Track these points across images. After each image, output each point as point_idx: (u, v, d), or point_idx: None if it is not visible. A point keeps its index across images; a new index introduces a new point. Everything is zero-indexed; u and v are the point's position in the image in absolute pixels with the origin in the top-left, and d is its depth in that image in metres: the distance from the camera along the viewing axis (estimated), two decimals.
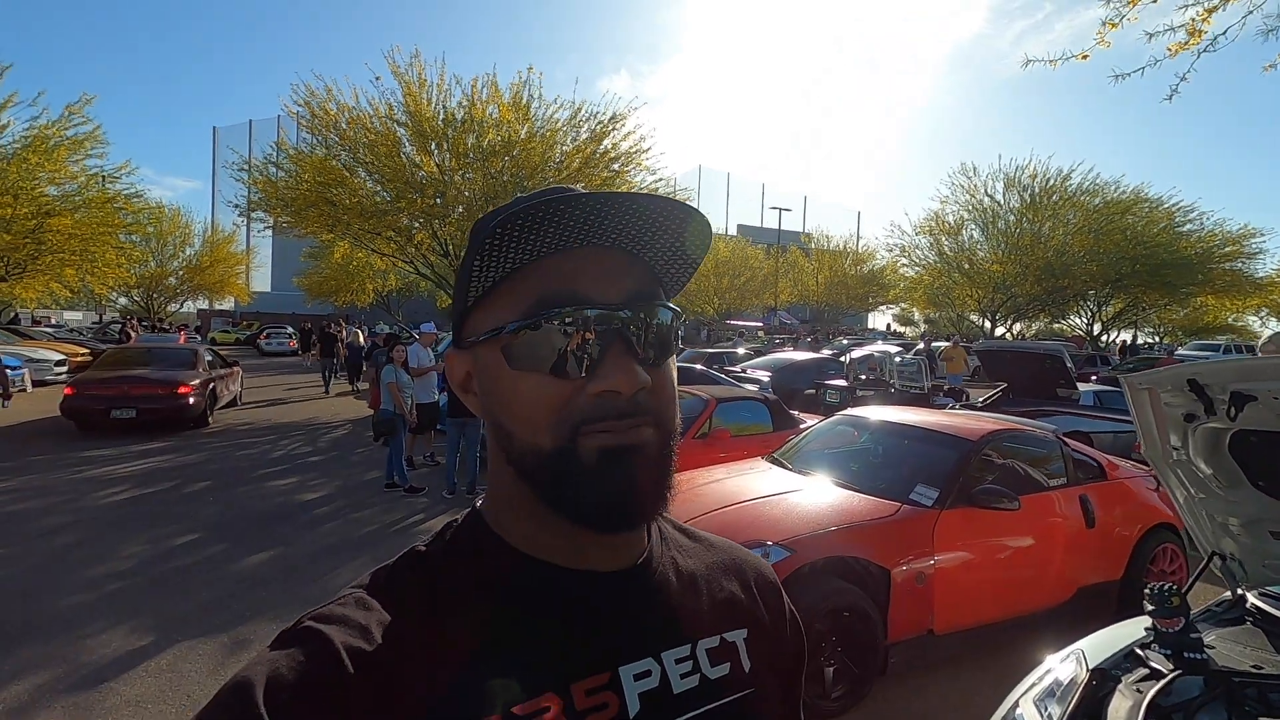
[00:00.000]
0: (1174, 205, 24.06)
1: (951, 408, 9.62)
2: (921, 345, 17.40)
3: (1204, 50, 3.76)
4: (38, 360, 15.88)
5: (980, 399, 10.07)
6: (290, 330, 33.02)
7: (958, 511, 3.79)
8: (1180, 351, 28.96)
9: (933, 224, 27.13)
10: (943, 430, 4.43)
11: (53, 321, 34.50)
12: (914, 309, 41.81)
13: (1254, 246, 24.47)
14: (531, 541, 0.56)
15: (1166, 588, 2.18)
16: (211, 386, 11.29)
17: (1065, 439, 4.60)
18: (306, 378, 19.58)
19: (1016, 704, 2.16)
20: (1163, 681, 2.03)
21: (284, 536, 5.83)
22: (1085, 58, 3.92)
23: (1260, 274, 25.75)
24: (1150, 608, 2.19)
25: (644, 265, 0.57)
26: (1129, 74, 3.91)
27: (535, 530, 0.56)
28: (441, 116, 13.19)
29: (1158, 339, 41.05)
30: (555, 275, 0.53)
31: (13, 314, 28.22)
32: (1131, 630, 2.35)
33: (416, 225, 14.09)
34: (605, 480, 0.51)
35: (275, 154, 14.45)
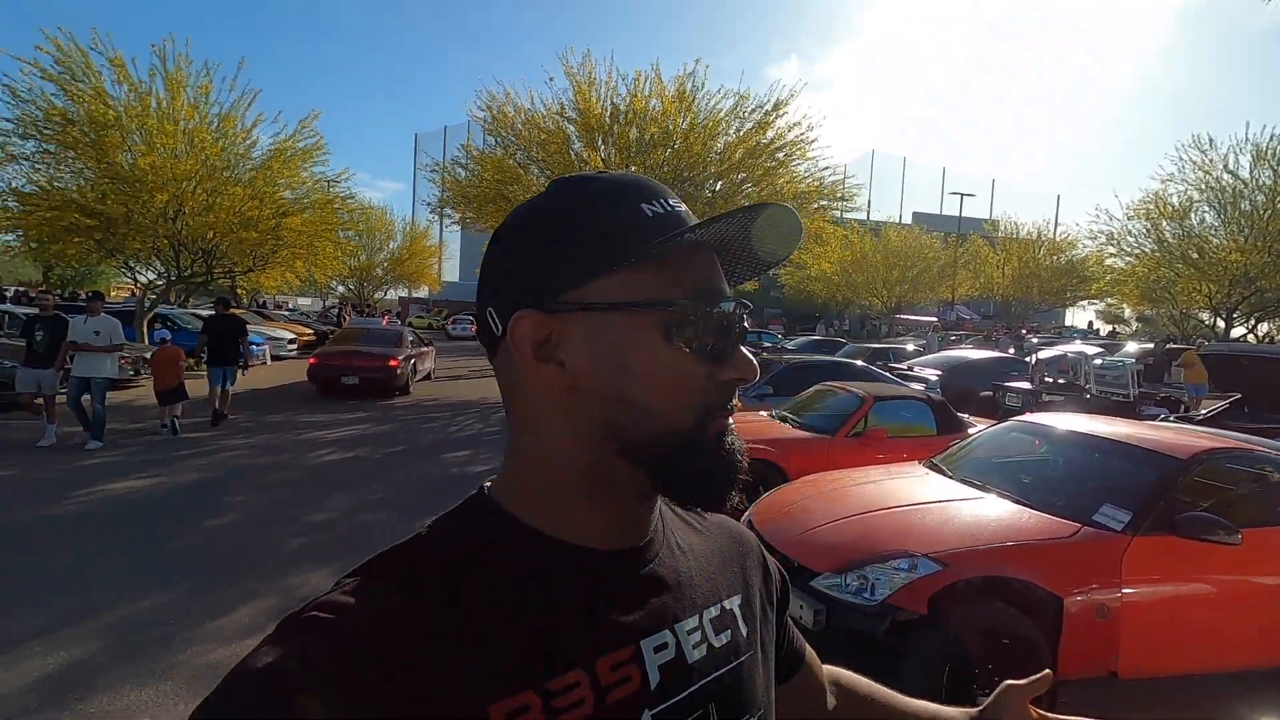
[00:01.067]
0: None
1: (1164, 419, 8.31)
2: (1149, 345, 15.00)
3: None
4: (275, 338, 18.85)
5: (1202, 412, 8.60)
6: (472, 317, 36.31)
7: (1156, 540, 3.28)
8: None
9: (1151, 207, 23.44)
10: (1142, 445, 3.84)
11: (289, 306, 40.71)
12: (1124, 304, 36.49)
13: None
14: (554, 520, 0.56)
15: None
16: (413, 361, 13.66)
17: None
18: (484, 360, 21.38)
19: None
20: None
21: (458, 499, 6.42)
22: None
23: None
24: None
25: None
26: None
27: (567, 508, 0.56)
28: (608, 112, 13.67)
29: None
30: (701, 265, 0.56)
31: (262, 299, 33.70)
32: None
33: None
34: (729, 461, 0.55)
35: (461, 156, 15.87)
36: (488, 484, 0.61)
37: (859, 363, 11.00)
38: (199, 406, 9.59)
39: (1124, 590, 3.17)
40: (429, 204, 17.81)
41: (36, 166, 14.01)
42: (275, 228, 15.88)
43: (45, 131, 13.35)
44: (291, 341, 19.78)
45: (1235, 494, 3.78)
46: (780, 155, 14.20)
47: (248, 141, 15.98)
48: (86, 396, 7.76)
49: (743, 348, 0.57)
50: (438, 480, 7.24)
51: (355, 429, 9.82)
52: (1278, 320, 25.94)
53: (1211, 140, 21.91)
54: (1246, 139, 21.47)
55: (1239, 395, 8.60)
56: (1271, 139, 20.69)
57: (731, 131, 14.20)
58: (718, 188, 14.61)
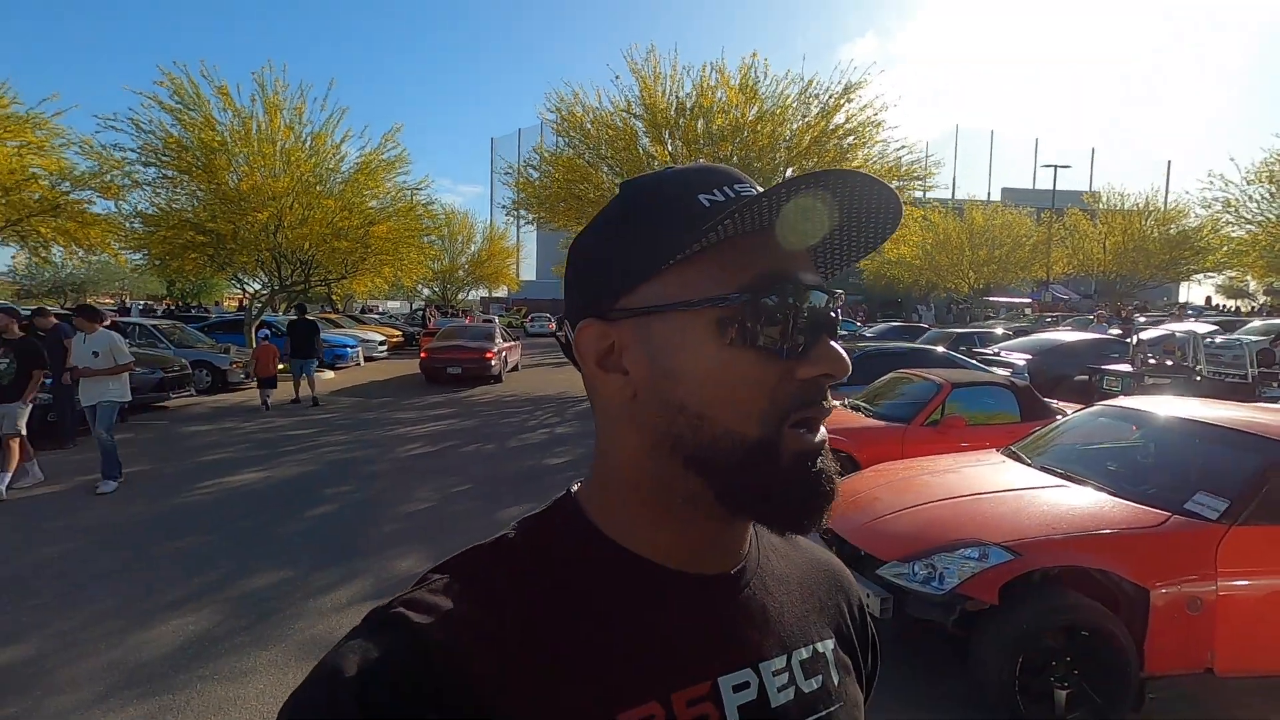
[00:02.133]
0: None
1: None
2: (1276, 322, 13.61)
3: None
4: (367, 340, 20.02)
5: None
6: (549, 315, 37.21)
7: (1257, 530, 3.07)
8: None
9: (1276, 168, 21.27)
10: (1246, 430, 3.58)
11: (379, 310, 43.03)
12: (1248, 277, 33.25)
13: None
14: (638, 537, 0.53)
15: None
16: (504, 354, 15.99)
17: None
18: (561, 355, 21.94)
19: None
20: None
21: (533, 492, 6.71)
22: None
23: None
24: None
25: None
26: None
27: (650, 525, 0.53)
28: (674, 106, 13.71)
29: None
30: (770, 252, 0.50)
31: (359, 305, 35.77)
32: None
33: None
34: (807, 479, 0.49)
35: (534, 159, 16.31)
36: (575, 486, 0.59)
37: (939, 349, 10.62)
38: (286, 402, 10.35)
39: (1220, 583, 2.99)
40: (504, 206, 18.40)
41: (157, 191, 15.43)
42: (364, 236, 16.85)
43: (164, 158, 14.67)
44: (382, 343, 20.96)
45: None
46: (851, 140, 13.83)
47: (337, 156, 17.00)
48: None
49: (830, 340, 0.50)
50: (515, 474, 7.56)
51: (441, 424, 10.35)
52: None
53: None
54: None
55: None
56: None
57: (799, 118, 13.95)
58: (788, 174, 14.39)
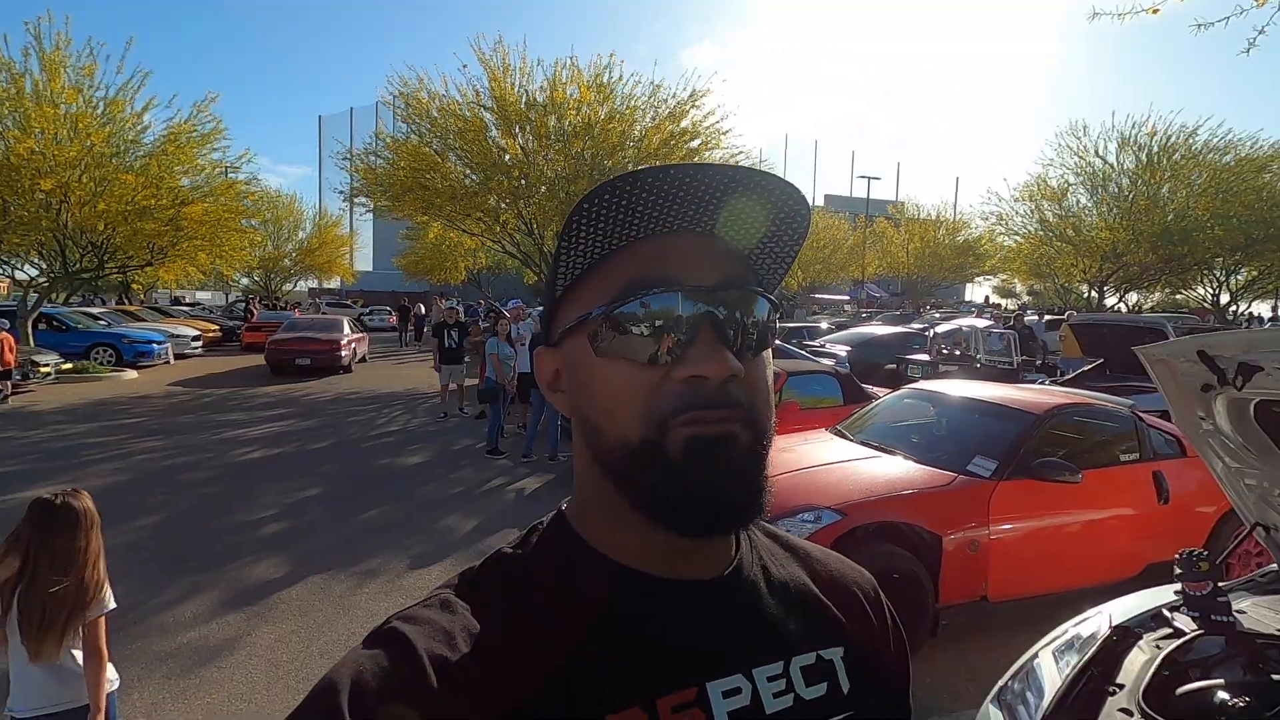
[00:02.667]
0: None
1: (1041, 383, 9.30)
2: (1019, 315, 16.43)
3: None
4: (178, 336, 17.85)
5: (1069, 374, 9.66)
6: (389, 308, 35.24)
7: (1017, 484, 3.86)
8: None
9: (1034, 189, 25.47)
10: (1007, 404, 4.45)
11: (188, 301, 38.27)
12: (1015, 280, 39.46)
13: None
14: (617, 547, 0.55)
15: (1196, 553, 2.27)
16: (353, 345, 16.07)
17: (1141, 414, 4.51)
18: (409, 349, 20.99)
19: (1037, 654, 2.32)
20: (1182, 639, 2.14)
21: (391, 493, 6.53)
22: (1156, 12, 3.79)
23: None
24: (1179, 572, 2.28)
25: (737, 254, 0.55)
26: (1210, 24, 3.76)
27: (621, 535, 0.54)
28: (525, 100, 13.68)
29: None
30: (644, 259, 0.51)
31: (168, 296, 31.35)
32: (1163, 595, 2.44)
33: (503, 206, 14.75)
34: (693, 478, 0.49)
35: (375, 143, 15.46)
36: (564, 503, 0.61)
37: (775, 342, 11.61)
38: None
39: (991, 527, 3.74)
40: (340, 191, 17.29)
41: None
42: (174, 218, 14.99)
43: None
44: (196, 339, 18.80)
45: (1080, 441, 4.45)
46: (696, 144, 14.63)
47: (139, 127, 14.98)
48: None
49: (709, 341, 0.50)
50: (368, 475, 7.28)
51: (279, 425, 9.61)
52: (1144, 292, 28.75)
53: (1085, 127, 24.01)
54: (1113, 126, 23.66)
55: (1102, 360, 9.71)
56: (1133, 126, 22.90)
57: (648, 119, 14.51)
58: None
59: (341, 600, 4.27)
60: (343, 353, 15.06)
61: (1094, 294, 25.83)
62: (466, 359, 10.80)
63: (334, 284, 47.75)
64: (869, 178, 38.48)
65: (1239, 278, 25.67)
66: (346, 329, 16.02)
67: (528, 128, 13.71)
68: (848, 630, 0.62)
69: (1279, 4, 3.53)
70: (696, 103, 14.27)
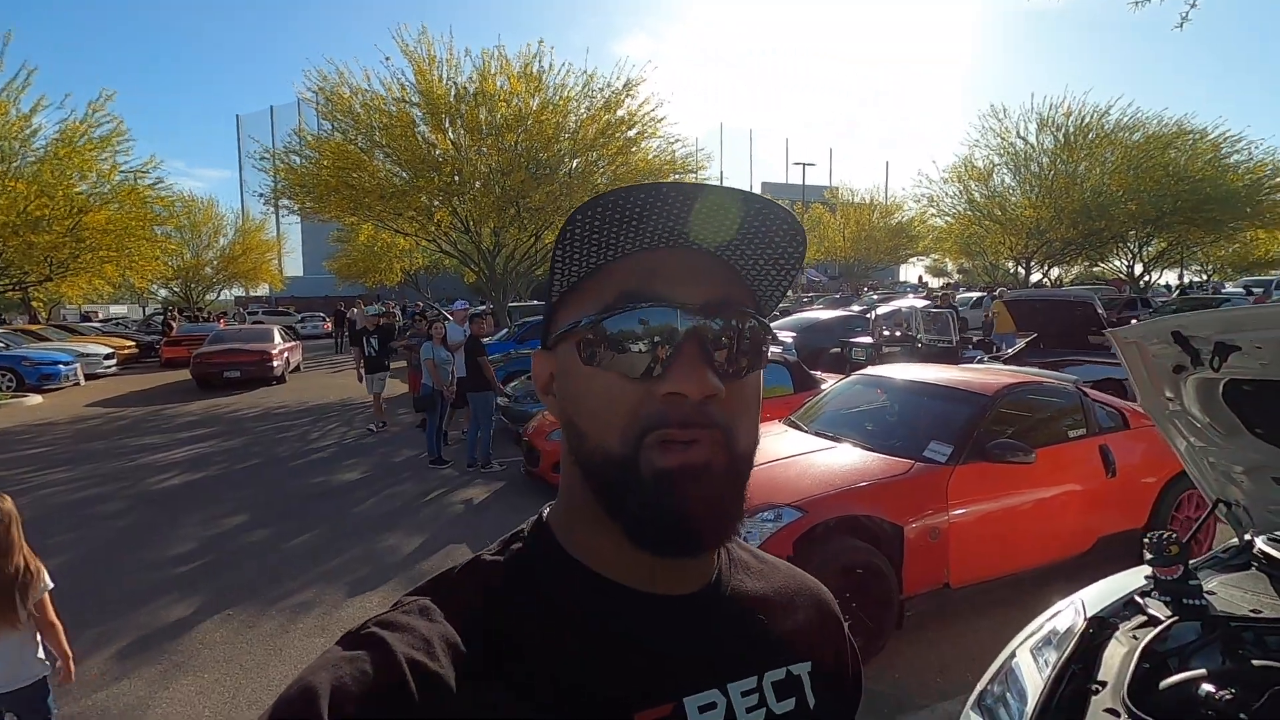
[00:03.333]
0: (1220, 136, 22.86)
1: (980, 361, 9.51)
2: (944, 295, 16.90)
3: None
4: (88, 355, 16.59)
5: (1008, 351, 9.92)
6: (323, 314, 33.79)
7: (972, 467, 3.82)
8: (1227, 288, 27.98)
9: (962, 171, 26.29)
10: (958, 386, 4.43)
11: (100, 317, 35.81)
12: (946, 259, 40.85)
13: None
14: (598, 557, 0.54)
15: (1166, 536, 2.21)
16: (285, 354, 15.33)
17: (1085, 389, 4.56)
18: (342, 357, 20.10)
19: (1014, 653, 2.22)
20: (1159, 628, 2.07)
21: (326, 514, 6.12)
22: None
23: None
24: (1149, 556, 2.22)
25: (733, 272, 0.55)
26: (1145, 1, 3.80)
27: (602, 545, 0.54)
28: (454, 92, 13.18)
29: (1205, 277, 39.51)
30: (637, 272, 0.52)
31: (61, 314, 29.29)
32: (1132, 579, 2.38)
33: (436, 203, 14.23)
34: (663, 500, 0.49)
35: (295, 142, 14.66)
36: (546, 508, 0.60)
37: None
38: None
39: (950, 513, 3.68)
40: (262, 195, 16.35)
41: None
42: (73, 228, 13.89)
43: None
44: (109, 356, 17.50)
45: (1029, 420, 4.46)
46: (632, 133, 14.43)
47: (28, 129, 13.79)
48: None
49: (690, 359, 0.49)
50: (304, 492, 6.83)
51: (200, 447, 8.97)
52: (1066, 266, 30.14)
53: (1005, 109, 24.88)
54: (1032, 108, 24.60)
55: (1035, 335, 10.00)
56: (1051, 108, 23.85)
57: (583, 110, 14.21)
58: (574, 166, 14.60)
59: (271, 640, 3.90)
60: (274, 363, 14.43)
61: (1020, 270, 26.90)
62: (390, 365, 10.24)
63: (261, 291, 45.66)
64: (804, 164, 39.11)
65: (1150, 249, 27.14)
66: (277, 338, 15.47)
67: (458, 121, 13.25)
68: (814, 646, 0.62)
69: None
70: (631, 92, 14.07)
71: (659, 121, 14.79)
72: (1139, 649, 2.00)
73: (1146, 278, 28.47)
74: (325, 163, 13.52)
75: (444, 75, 13.43)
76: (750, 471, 0.53)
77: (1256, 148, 22.92)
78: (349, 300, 28.26)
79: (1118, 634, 2.14)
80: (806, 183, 39.40)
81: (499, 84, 13.24)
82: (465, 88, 13.23)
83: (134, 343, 21.02)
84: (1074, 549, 4.13)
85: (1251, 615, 2.10)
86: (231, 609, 4.26)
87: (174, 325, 22.74)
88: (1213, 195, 21.75)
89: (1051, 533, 4.07)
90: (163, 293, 35.42)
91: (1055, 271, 29.69)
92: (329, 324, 27.79)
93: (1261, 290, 22.96)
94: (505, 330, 13.92)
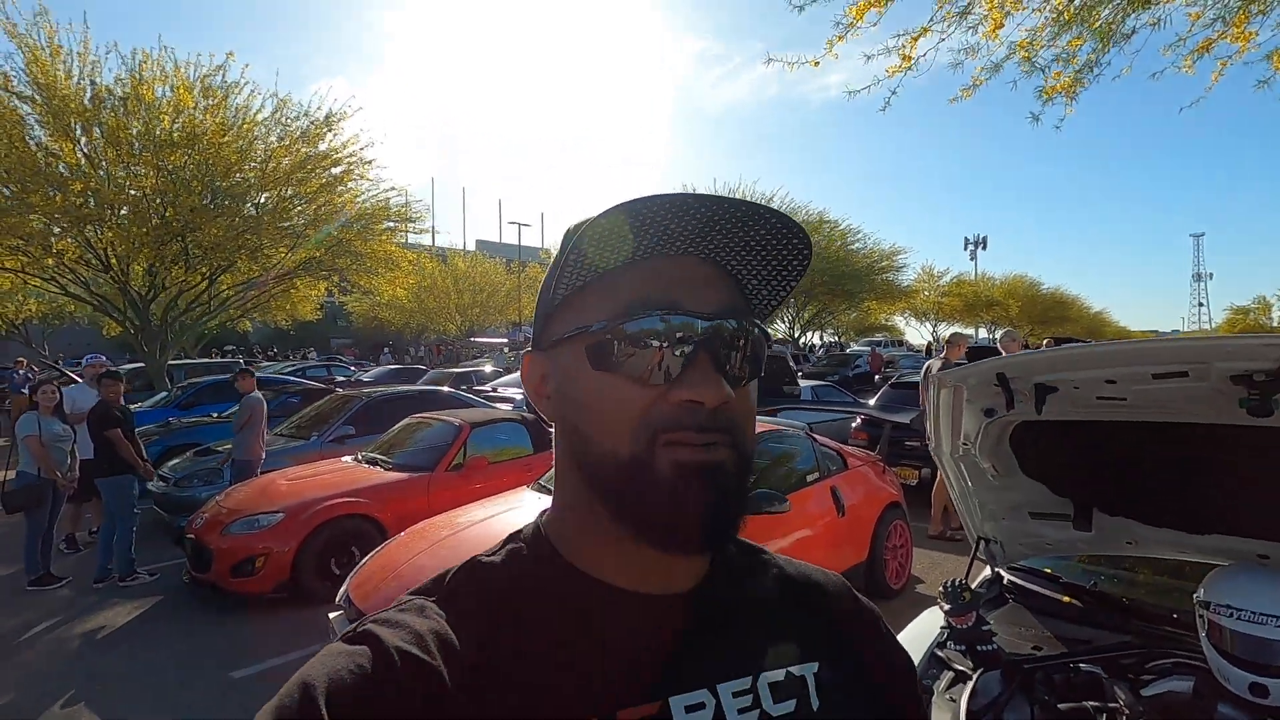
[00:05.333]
0: (846, 228, 29.29)
1: None
2: None
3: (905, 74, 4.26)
4: None
5: None
6: None
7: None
8: (853, 347, 35.51)
9: None
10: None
11: None
12: None
13: (901, 261, 31.16)
14: (589, 557, 0.55)
15: (957, 583, 2.18)
16: None
17: (814, 435, 4.87)
18: None
19: None
20: (969, 684, 1.99)
21: None
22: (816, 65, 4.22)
23: (905, 283, 32.73)
24: (946, 606, 2.16)
25: (735, 281, 0.57)
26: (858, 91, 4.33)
27: (595, 545, 0.55)
28: (88, 93, 10.41)
29: (837, 338, 49.62)
30: (648, 280, 0.52)
31: None
32: (924, 628, 2.34)
33: (57, 231, 10.92)
34: (678, 496, 0.49)
35: None
36: (543, 513, 0.61)
37: (445, 389, 10.63)
38: None
39: None
40: None
41: None
42: None
43: None
44: None
45: (773, 468, 4.60)
46: (338, 170, 12.94)
47: None
48: None
49: (706, 367, 0.50)
50: None
51: None
52: None
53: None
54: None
55: None
56: (730, 193, 28.00)
57: (273, 139, 12.34)
58: (261, 200, 12.51)
59: None
60: None
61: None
62: None
63: None
64: (519, 224, 39.91)
65: (804, 315, 33.13)
66: None
67: (94, 130, 10.43)
68: (824, 646, 0.61)
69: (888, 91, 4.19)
70: (333, 126, 12.65)
71: (367, 164, 13.55)
72: (961, 714, 1.88)
73: (801, 338, 34.55)
74: None
75: (76, 71, 10.55)
76: (752, 472, 0.54)
77: (868, 238, 29.92)
78: None
79: (935, 699, 2.02)
80: (522, 243, 40.19)
81: (158, 92, 10.80)
82: (109, 89, 10.51)
83: None
84: None
85: (1034, 654, 2.14)
86: None
87: None
88: (845, 272, 27.49)
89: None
90: None
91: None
92: None
93: (870, 348, 29.42)
94: (164, 394, 11.09)
